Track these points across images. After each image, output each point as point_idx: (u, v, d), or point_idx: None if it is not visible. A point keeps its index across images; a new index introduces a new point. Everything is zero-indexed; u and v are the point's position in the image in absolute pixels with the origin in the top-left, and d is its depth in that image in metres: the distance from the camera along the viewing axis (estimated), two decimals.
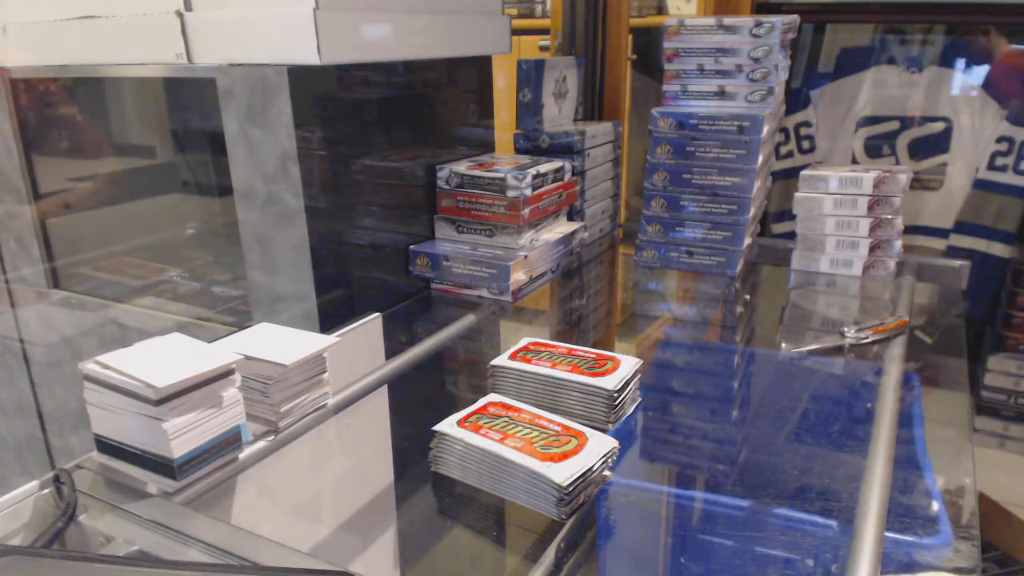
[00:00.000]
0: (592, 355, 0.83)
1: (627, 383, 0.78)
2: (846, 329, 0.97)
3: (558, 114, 1.36)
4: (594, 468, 0.65)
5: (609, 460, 0.68)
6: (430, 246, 1.12)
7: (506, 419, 0.73)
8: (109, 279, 1.25)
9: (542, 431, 0.70)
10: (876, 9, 1.65)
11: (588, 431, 0.71)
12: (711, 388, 1.01)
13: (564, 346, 0.86)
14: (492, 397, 0.78)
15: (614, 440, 0.69)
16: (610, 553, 0.69)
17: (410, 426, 0.74)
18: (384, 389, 0.87)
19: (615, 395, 0.76)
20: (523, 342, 0.87)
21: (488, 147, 1.30)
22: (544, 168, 1.14)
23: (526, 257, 1.08)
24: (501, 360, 0.83)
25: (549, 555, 0.62)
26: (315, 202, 0.92)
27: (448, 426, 0.72)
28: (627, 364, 0.81)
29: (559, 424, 0.72)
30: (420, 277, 1.13)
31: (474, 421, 0.72)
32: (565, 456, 0.65)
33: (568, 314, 1.24)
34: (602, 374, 0.78)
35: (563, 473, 0.62)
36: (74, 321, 1.26)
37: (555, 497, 0.62)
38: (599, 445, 0.68)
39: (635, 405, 0.80)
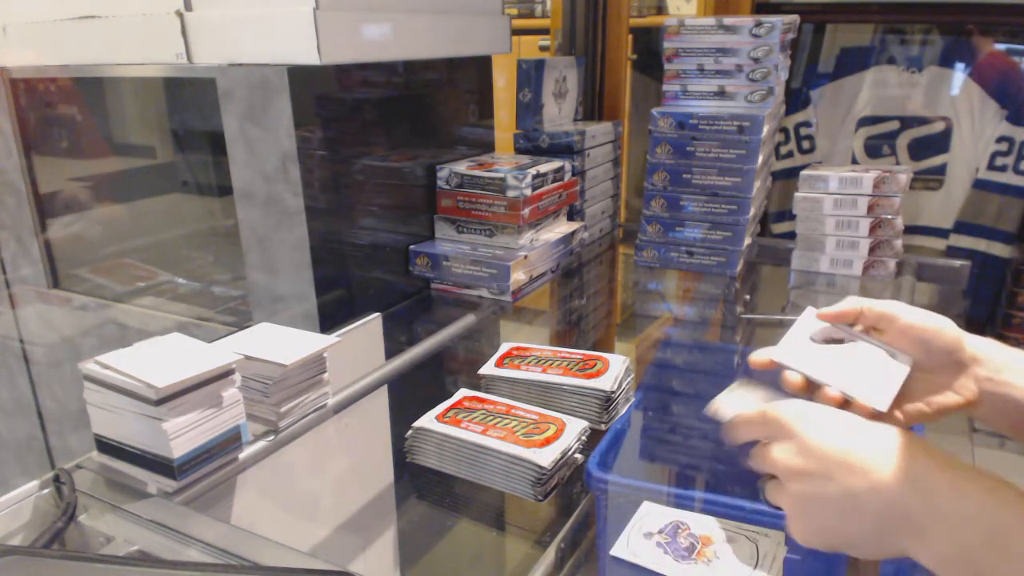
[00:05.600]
0: (579, 356, 0.83)
1: (621, 383, 0.79)
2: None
3: (558, 114, 1.36)
4: (571, 449, 0.70)
5: (582, 438, 0.71)
6: (430, 246, 1.12)
7: (483, 411, 0.75)
8: (109, 279, 1.25)
9: (520, 420, 0.73)
10: (876, 9, 1.65)
11: (564, 417, 0.73)
12: (711, 387, 1.01)
13: (549, 349, 0.86)
14: (465, 391, 0.80)
15: (585, 421, 0.74)
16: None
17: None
18: (384, 389, 0.87)
19: (612, 395, 0.76)
20: (505, 348, 0.87)
21: (488, 147, 1.30)
22: (544, 168, 1.14)
23: (526, 257, 1.08)
24: (489, 368, 0.83)
25: (549, 555, 0.62)
26: (315, 202, 0.92)
27: (428, 421, 0.74)
28: (617, 363, 0.81)
29: (536, 413, 0.74)
30: (420, 277, 1.13)
31: (452, 416, 0.74)
32: (548, 442, 0.69)
33: (568, 314, 1.24)
34: (595, 375, 0.78)
35: (548, 458, 0.66)
36: (74, 321, 1.27)
37: (533, 479, 0.66)
38: (575, 427, 0.72)
39: (628, 404, 0.80)
